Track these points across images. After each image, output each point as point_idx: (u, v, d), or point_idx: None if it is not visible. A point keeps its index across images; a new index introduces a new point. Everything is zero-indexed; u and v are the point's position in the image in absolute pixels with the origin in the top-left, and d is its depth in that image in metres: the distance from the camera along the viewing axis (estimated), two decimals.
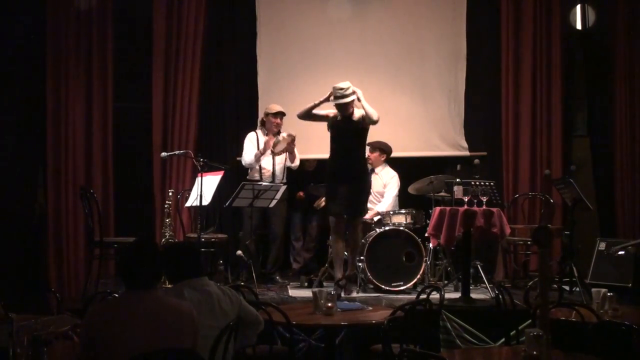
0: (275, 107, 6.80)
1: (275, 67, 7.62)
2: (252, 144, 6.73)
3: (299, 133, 6.77)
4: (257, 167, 6.71)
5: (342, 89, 5.84)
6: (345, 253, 6.15)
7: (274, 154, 6.65)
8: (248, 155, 6.71)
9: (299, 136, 6.67)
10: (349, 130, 5.92)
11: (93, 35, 7.16)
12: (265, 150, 6.64)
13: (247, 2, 7.68)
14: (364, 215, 6.25)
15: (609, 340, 3.51)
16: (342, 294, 5.80)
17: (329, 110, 6.02)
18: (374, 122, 5.95)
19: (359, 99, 5.87)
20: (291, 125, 6.86)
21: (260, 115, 7.01)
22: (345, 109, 5.89)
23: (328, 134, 6.08)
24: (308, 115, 5.98)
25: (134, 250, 2.97)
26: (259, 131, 6.81)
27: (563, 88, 7.31)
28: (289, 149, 6.60)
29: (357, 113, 5.95)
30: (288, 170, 6.85)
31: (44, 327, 3.12)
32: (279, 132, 6.76)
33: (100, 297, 4.18)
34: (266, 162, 6.72)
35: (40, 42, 7.11)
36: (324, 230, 7.26)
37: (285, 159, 6.75)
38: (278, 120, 6.74)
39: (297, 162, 6.80)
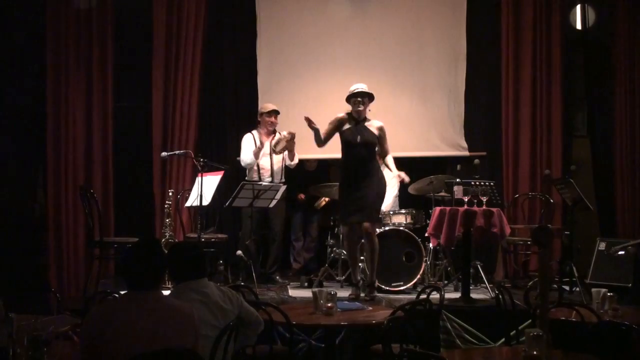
0: (269, 106, 6.81)
1: (275, 67, 7.63)
2: (250, 144, 6.73)
3: (299, 133, 6.76)
4: (256, 168, 6.71)
5: (357, 86, 5.84)
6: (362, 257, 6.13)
7: (274, 153, 6.64)
8: (247, 154, 6.71)
9: (300, 136, 6.66)
10: (359, 139, 5.76)
11: (93, 35, 7.16)
12: (263, 145, 6.63)
13: (247, 2, 7.69)
14: (378, 221, 6.09)
15: (609, 340, 3.51)
16: (362, 295, 5.81)
17: (338, 115, 5.93)
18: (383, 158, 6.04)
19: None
20: (289, 124, 6.87)
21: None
22: (359, 101, 5.79)
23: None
24: (321, 140, 5.84)
25: (138, 250, 2.96)
26: (255, 132, 6.82)
27: (563, 88, 7.30)
28: (289, 147, 6.59)
29: (375, 123, 5.86)
30: (287, 170, 6.85)
31: (44, 327, 3.11)
32: (274, 131, 6.77)
33: (100, 297, 4.18)
34: (264, 162, 6.72)
35: (40, 42, 7.11)
36: (324, 230, 7.28)
37: (284, 158, 6.75)
38: (273, 119, 6.75)
39: (295, 160, 6.81)
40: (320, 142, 5.87)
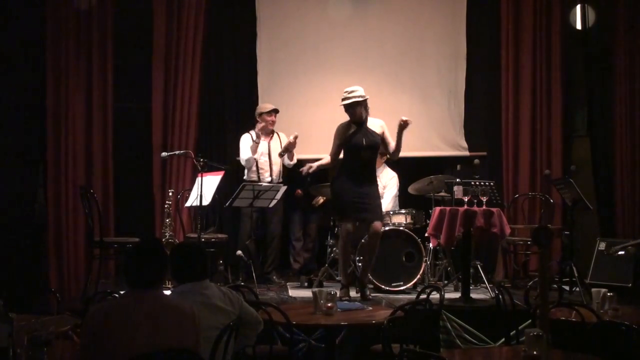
0: (268, 106, 6.84)
1: (275, 67, 7.63)
2: (248, 144, 6.74)
3: (298, 132, 6.76)
4: (255, 168, 6.71)
5: (347, 91, 5.79)
6: (358, 258, 6.14)
7: (281, 156, 6.68)
8: (245, 151, 6.72)
9: (299, 137, 6.66)
10: (365, 142, 5.74)
11: (93, 35, 7.16)
12: (259, 139, 6.64)
13: (247, 2, 7.69)
14: (382, 220, 6.05)
15: (609, 340, 3.51)
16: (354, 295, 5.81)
17: (342, 124, 5.89)
18: (394, 157, 5.98)
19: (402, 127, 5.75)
20: (289, 124, 6.88)
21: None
22: (351, 112, 5.76)
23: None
24: (334, 160, 5.90)
25: (140, 250, 2.97)
26: (252, 132, 6.81)
27: (563, 88, 7.30)
28: (292, 149, 6.66)
29: (375, 123, 5.85)
30: (286, 169, 6.85)
31: (44, 327, 3.12)
32: (272, 131, 6.79)
33: (100, 297, 4.18)
34: (263, 162, 6.73)
35: (40, 41, 7.11)
36: (324, 230, 7.27)
37: (283, 158, 6.77)
38: (273, 118, 6.77)
39: (294, 160, 6.84)
40: (334, 162, 5.88)
